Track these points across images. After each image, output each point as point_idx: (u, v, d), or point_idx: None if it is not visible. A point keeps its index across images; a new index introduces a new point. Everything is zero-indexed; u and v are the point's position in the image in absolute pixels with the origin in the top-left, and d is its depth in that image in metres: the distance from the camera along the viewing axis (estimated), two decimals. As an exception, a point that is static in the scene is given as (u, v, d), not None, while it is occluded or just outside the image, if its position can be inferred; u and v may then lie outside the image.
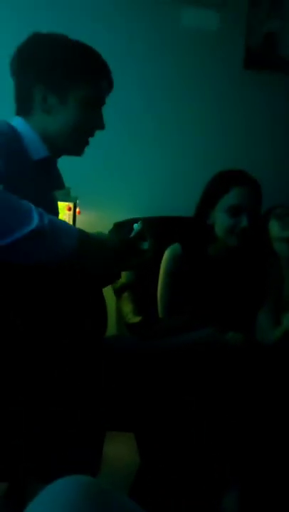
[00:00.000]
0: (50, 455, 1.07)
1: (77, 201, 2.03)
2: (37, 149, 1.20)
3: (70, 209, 2.01)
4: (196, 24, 2.21)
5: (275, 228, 2.09)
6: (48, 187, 1.30)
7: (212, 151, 2.26)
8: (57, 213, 1.34)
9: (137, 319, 1.74)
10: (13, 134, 1.17)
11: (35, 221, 0.97)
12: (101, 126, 1.28)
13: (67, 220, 2.00)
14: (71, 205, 2.01)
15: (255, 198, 1.64)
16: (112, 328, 1.85)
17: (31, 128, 1.21)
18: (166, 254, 1.69)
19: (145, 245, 1.16)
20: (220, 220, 1.63)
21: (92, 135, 1.28)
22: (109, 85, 1.28)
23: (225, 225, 1.62)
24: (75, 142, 1.26)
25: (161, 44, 2.19)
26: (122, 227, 2.01)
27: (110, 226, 2.06)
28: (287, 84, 2.30)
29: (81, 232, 1.05)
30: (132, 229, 1.18)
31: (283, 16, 2.25)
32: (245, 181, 1.64)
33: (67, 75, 1.20)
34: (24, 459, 1.07)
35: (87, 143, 1.28)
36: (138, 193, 2.24)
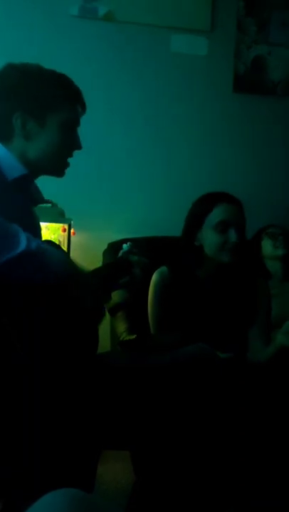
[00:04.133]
0: (42, 475, 1.07)
1: (72, 222, 2.06)
2: (12, 169, 1.22)
3: (64, 230, 2.04)
4: (186, 50, 2.27)
5: (268, 247, 2.12)
6: (27, 204, 1.31)
7: (203, 172, 2.30)
8: (39, 229, 1.35)
9: (131, 337, 1.76)
10: None
11: (22, 244, 1.00)
12: (78, 146, 1.30)
13: (62, 241, 2.03)
14: (66, 226, 2.04)
15: (241, 214, 1.66)
16: (106, 347, 1.87)
17: (7, 150, 1.23)
18: (154, 277, 1.69)
19: (132, 260, 1.19)
20: (209, 238, 1.64)
21: (71, 156, 1.31)
22: (83, 108, 1.31)
23: (215, 242, 1.63)
24: (56, 164, 1.29)
25: (155, 69, 2.26)
26: (116, 247, 2.03)
27: (104, 246, 2.09)
28: (275, 107, 2.36)
29: (68, 256, 1.08)
30: (121, 248, 1.22)
31: (270, 41, 2.32)
32: (228, 199, 1.67)
33: (45, 100, 1.23)
34: (17, 478, 1.07)
35: (67, 164, 1.31)
36: (132, 214, 2.28)
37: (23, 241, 1.00)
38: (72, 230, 2.07)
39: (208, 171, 2.31)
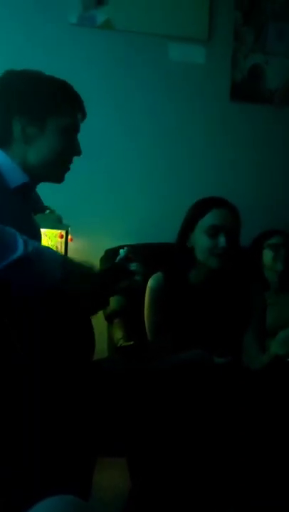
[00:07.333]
0: (42, 476, 1.07)
1: (69, 228, 2.07)
2: (14, 176, 1.22)
3: (62, 236, 2.04)
4: (184, 58, 2.29)
5: (268, 258, 2.14)
6: (28, 212, 1.31)
7: (200, 179, 2.31)
8: (39, 237, 1.35)
9: (128, 344, 1.76)
10: None
11: (20, 249, 1.00)
12: (78, 152, 1.31)
13: (59, 247, 2.03)
14: (63, 232, 2.04)
15: (234, 220, 1.67)
16: (103, 354, 1.87)
17: (8, 157, 1.23)
18: (150, 283, 1.70)
19: (133, 268, 1.19)
20: (199, 241, 1.66)
21: (70, 162, 1.31)
22: (83, 115, 1.32)
23: (204, 245, 1.64)
24: (56, 170, 1.29)
25: (153, 77, 2.27)
26: (113, 254, 2.04)
27: (102, 253, 2.09)
28: (271, 114, 2.38)
29: (65, 257, 1.08)
30: (118, 254, 1.23)
31: (266, 50, 2.35)
32: (222, 204, 1.68)
33: (45, 105, 1.24)
34: (17, 478, 1.07)
35: (67, 169, 1.31)
36: (129, 220, 2.28)
37: (20, 246, 1.00)
38: (69, 237, 2.07)
39: (206, 178, 2.32)
